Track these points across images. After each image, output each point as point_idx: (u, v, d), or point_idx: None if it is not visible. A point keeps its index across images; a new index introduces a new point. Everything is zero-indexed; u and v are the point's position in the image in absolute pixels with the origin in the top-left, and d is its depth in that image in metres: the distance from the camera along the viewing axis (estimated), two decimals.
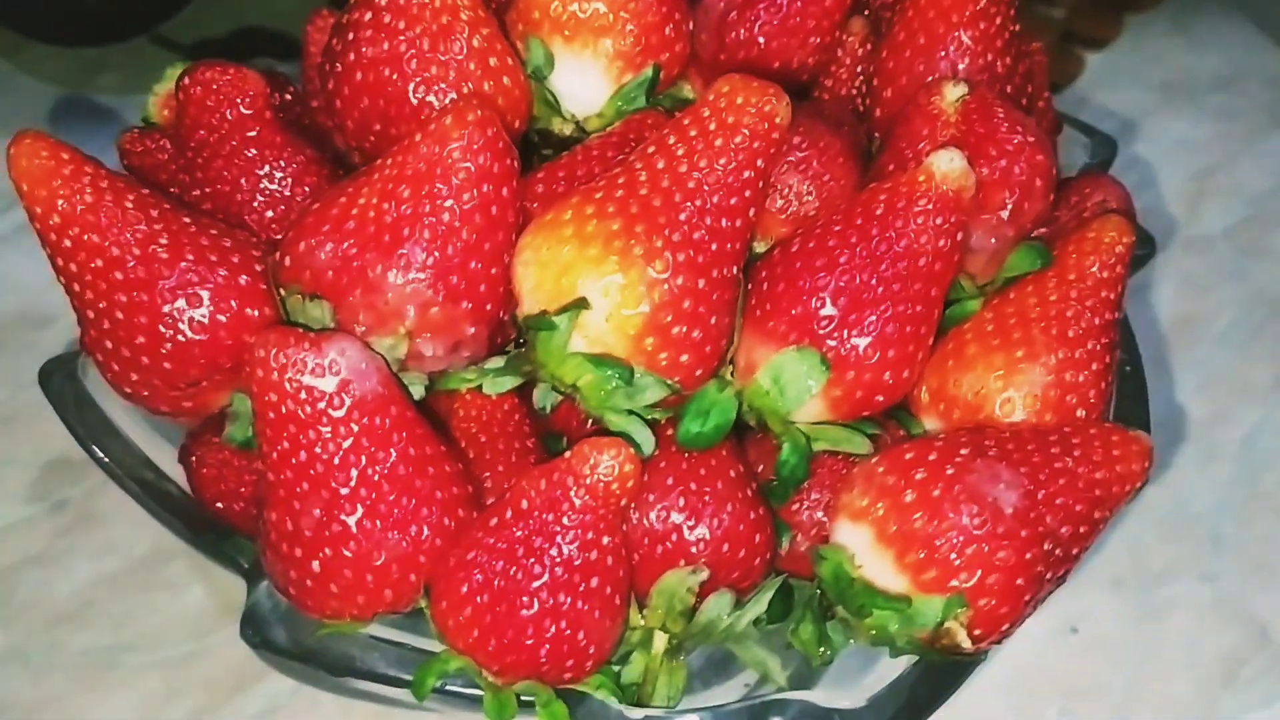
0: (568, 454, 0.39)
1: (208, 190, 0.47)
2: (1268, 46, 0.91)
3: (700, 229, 0.41)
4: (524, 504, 0.39)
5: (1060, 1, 0.90)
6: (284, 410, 0.39)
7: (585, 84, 0.50)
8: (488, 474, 0.44)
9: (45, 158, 0.41)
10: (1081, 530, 0.40)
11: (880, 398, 0.43)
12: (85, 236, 0.41)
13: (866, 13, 0.57)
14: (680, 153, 0.42)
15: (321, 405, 0.39)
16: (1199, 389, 0.69)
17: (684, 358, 0.41)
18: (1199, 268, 0.76)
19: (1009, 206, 0.45)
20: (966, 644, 0.38)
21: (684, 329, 0.41)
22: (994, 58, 0.50)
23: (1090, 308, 0.45)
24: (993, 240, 0.45)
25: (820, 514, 0.45)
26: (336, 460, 0.39)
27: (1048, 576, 0.39)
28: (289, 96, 0.55)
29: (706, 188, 0.42)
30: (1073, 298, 0.45)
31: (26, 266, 0.73)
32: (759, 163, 0.42)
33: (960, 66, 0.49)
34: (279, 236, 0.47)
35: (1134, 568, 0.60)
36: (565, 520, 0.39)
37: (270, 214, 0.47)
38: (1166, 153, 0.82)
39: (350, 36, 0.46)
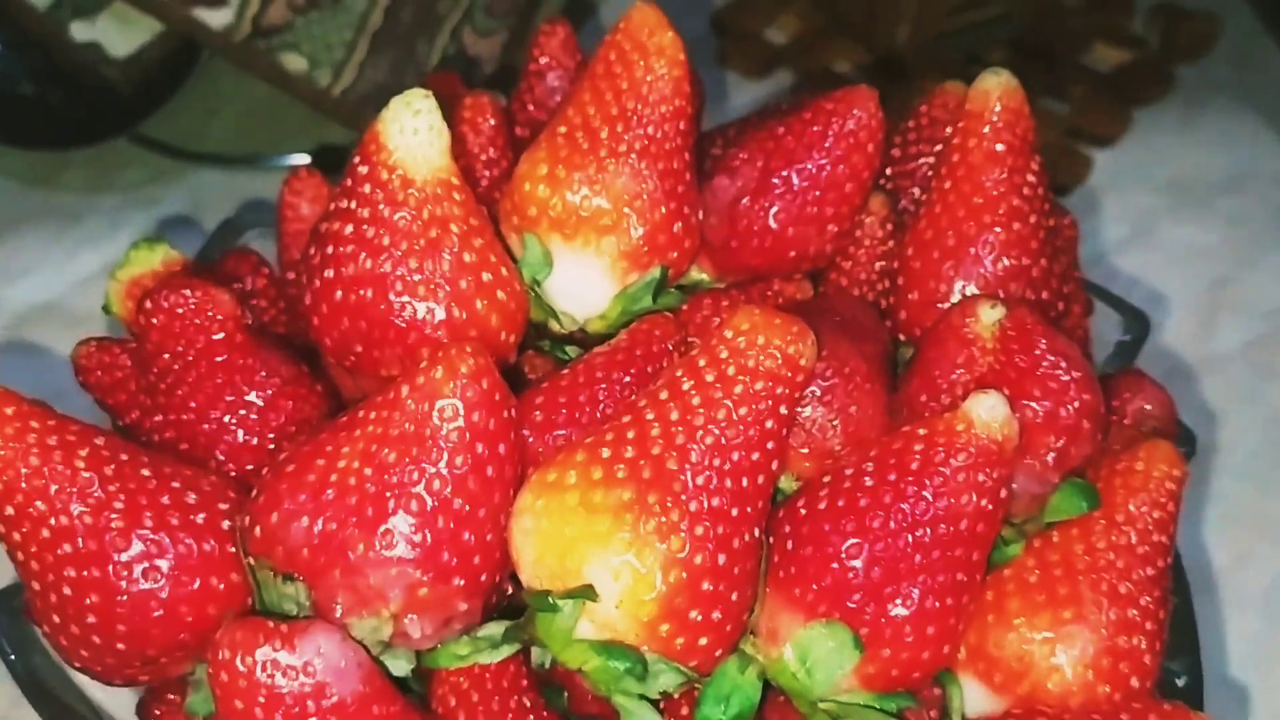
0: None
1: (171, 418, 0.43)
2: (1277, 144, 0.88)
3: (720, 494, 0.37)
4: None
5: (1067, 97, 0.87)
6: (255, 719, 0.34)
7: (586, 285, 0.46)
8: None
9: None
10: None
11: (917, 674, 0.38)
12: (31, 505, 0.37)
13: (889, 185, 0.53)
14: (696, 402, 0.38)
15: (295, 712, 0.34)
16: (1219, 527, 0.65)
17: (702, 641, 0.37)
18: (1215, 391, 0.72)
19: (1054, 452, 0.41)
20: None
21: (703, 611, 0.36)
22: (1029, 261, 0.46)
23: (1143, 556, 0.41)
24: (1036, 487, 0.41)
25: None
26: None
27: None
28: (262, 282, 0.51)
29: (725, 443, 0.37)
30: (1123, 545, 0.41)
31: None
32: (782, 410, 0.38)
33: (994, 270, 0.45)
34: (249, 470, 0.43)
35: None
36: None
37: (241, 442, 0.43)
38: (1177, 262, 0.79)
39: (330, 250, 0.42)
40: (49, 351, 0.72)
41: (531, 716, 0.41)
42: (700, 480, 0.37)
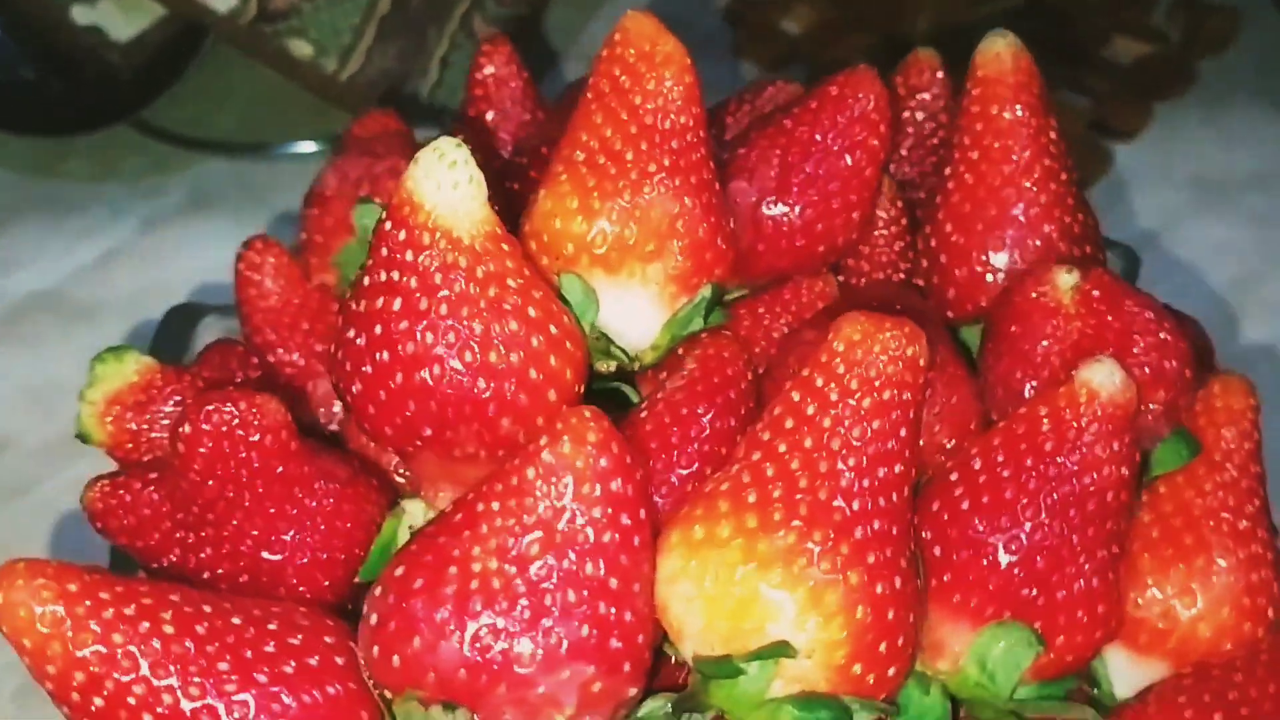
0: None
1: (225, 550, 0.37)
2: None
3: (878, 516, 0.35)
4: None
5: (1088, 90, 0.85)
6: None
7: (636, 318, 0.43)
8: None
9: (48, 598, 0.31)
10: None
11: (1089, 655, 0.38)
12: (127, 694, 0.31)
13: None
14: (826, 424, 0.36)
15: None
16: None
17: (891, 671, 0.35)
18: None
19: (1164, 405, 0.41)
20: None
21: (889, 642, 0.34)
22: (1069, 219, 0.45)
23: (1248, 490, 0.41)
24: (1148, 444, 0.41)
25: None
26: None
27: None
28: (254, 374, 0.45)
29: (867, 462, 0.35)
30: (1228, 483, 0.41)
31: None
32: (911, 415, 0.37)
33: (1036, 239, 0.45)
34: (325, 588, 0.38)
35: None
36: None
37: (310, 561, 0.38)
38: (1201, 259, 0.77)
39: (377, 330, 0.37)
40: (48, 341, 0.71)
41: None
42: (856, 506, 0.35)
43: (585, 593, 0.33)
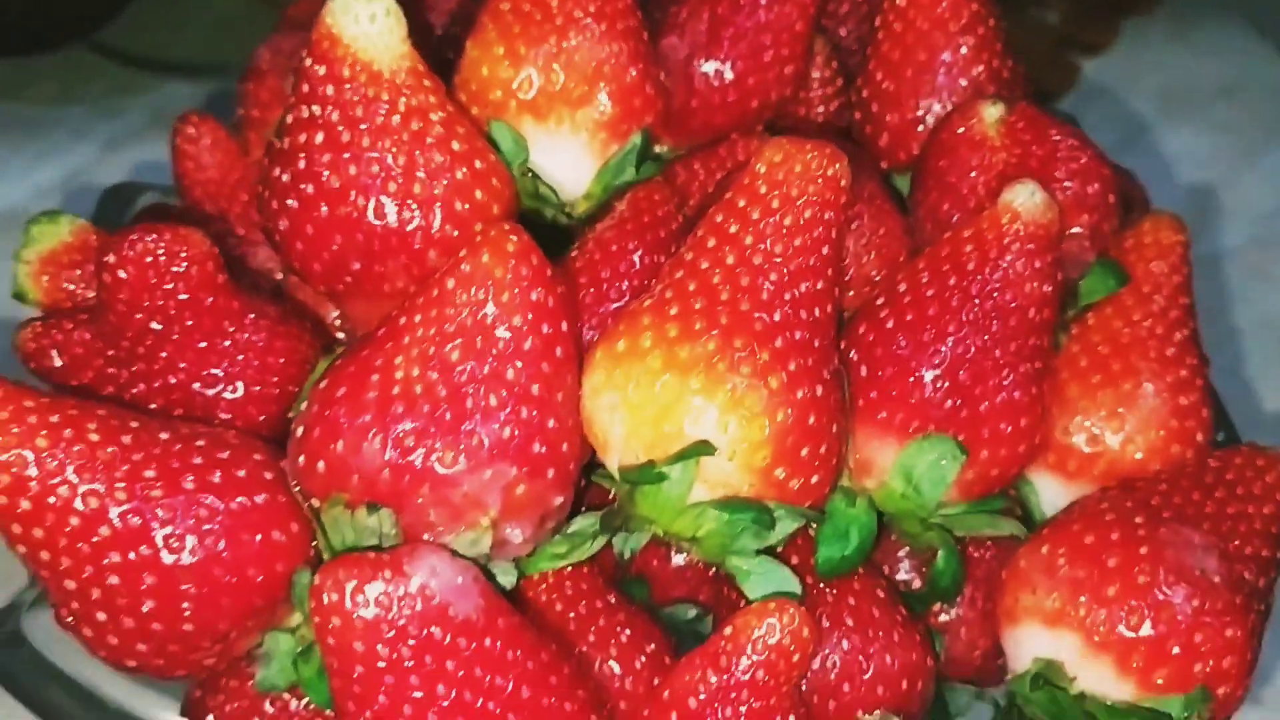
0: (728, 630, 0.33)
1: (157, 384, 0.37)
2: (1270, 55, 0.86)
3: (798, 326, 0.35)
4: (692, 703, 0.33)
5: (1054, 5, 0.84)
6: (378, 664, 0.31)
7: (566, 165, 0.43)
8: (582, 648, 0.37)
9: None
10: (1271, 575, 0.36)
11: (1014, 470, 0.38)
12: (50, 495, 0.31)
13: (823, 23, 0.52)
14: (748, 240, 0.36)
15: (419, 642, 0.31)
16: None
17: (815, 478, 0.35)
18: (1206, 293, 0.70)
19: (1089, 230, 0.41)
20: None
21: (812, 448, 0.35)
22: (998, 64, 0.46)
23: (1174, 320, 0.42)
24: (1074, 271, 0.41)
25: (958, 611, 0.40)
26: (447, 704, 0.31)
27: (1259, 638, 0.36)
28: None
29: (789, 276, 0.36)
30: (1156, 312, 0.42)
31: None
32: (833, 234, 0.37)
33: (969, 77, 0.45)
34: (260, 423, 0.39)
35: None
36: (744, 711, 0.32)
37: (244, 394, 0.38)
38: (1168, 168, 0.78)
39: (302, 164, 0.38)
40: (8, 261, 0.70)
41: (621, 613, 0.38)
42: (778, 317, 0.35)
43: (506, 395, 0.33)
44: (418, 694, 0.31)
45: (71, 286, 0.43)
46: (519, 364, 0.34)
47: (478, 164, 0.39)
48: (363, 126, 0.37)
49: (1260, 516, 0.37)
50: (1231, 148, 0.80)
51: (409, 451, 0.33)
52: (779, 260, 0.36)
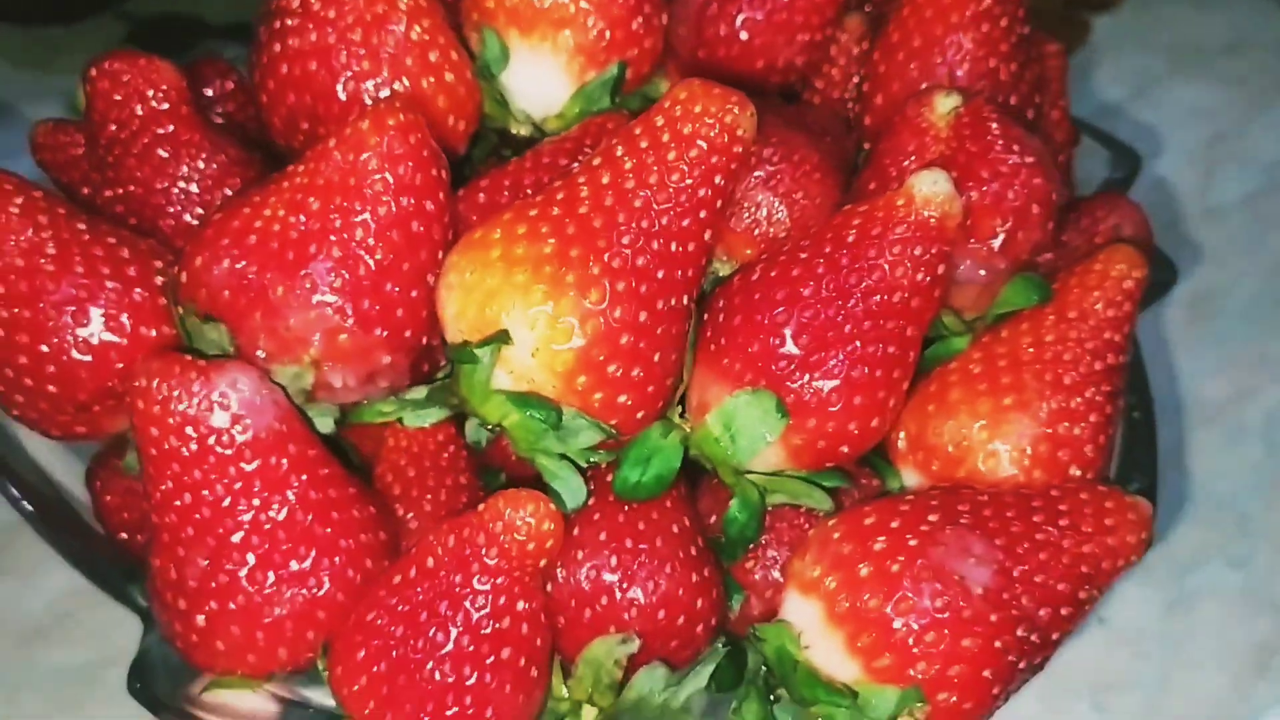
0: (480, 507, 0.35)
1: (119, 191, 0.43)
2: (1275, 11, 0.87)
3: (645, 254, 0.36)
4: (430, 561, 0.35)
5: None
6: (167, 447, 0.35)
7: (543, 81, 0.46)
8: (412, 514, 0.40)
9: None
10: (1063, 612, 0.35)
11: (845, 448, 0.38)
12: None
13: (868, 8, 0.52)
14: (628, 166, 0.37)
15: (210, 442, 0.35)
16: (1220, 366, 0.65)
17: (622, 398, 0.36)
18: (1216, 239, 0.72)
19: (1001, 235, 0.40)
20: None
21: (622, 367, 0.36)
22: (997, 63, 0.44)
23: (1091, 350, 0.40)
24: (982, 273, 0.40)
25: (776, 574, 0.40)
26: (225, 504, 0.35)
27: (1020, 666, 0.34)
28: (230, 85, 0.51)
29: (656, 207, 0.37)
30: (1072, 338, 0.40)
31: None
32: (718, 179, 0.38)
33: (959, 73, 0.44)
34: None
35: (1161, 555, 0.56)
36: (475, 583, 0.34)
37: (187, 219, 0.43)
38: (1177, 120, 0.79)
39: (276, 25, 0.42)
40: None
41: (465, 497, 0.41)
42: (626, 240, 0.36)
43: (349, 251, 0.36)
44: (205, 491, 0.35)
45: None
46: (372, 225, 0.36)
47: (431, 56, 0.42)
48: (331, 1, 0.41)
49: (1074, 554, 0.35)
50: (1239, 100, 0.81)
51: (247, 276, 0.36)
52: (651, 189, 0.37)
